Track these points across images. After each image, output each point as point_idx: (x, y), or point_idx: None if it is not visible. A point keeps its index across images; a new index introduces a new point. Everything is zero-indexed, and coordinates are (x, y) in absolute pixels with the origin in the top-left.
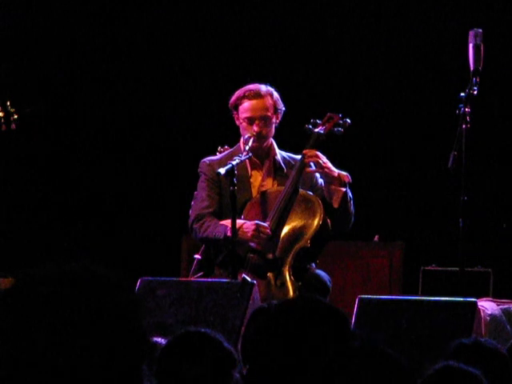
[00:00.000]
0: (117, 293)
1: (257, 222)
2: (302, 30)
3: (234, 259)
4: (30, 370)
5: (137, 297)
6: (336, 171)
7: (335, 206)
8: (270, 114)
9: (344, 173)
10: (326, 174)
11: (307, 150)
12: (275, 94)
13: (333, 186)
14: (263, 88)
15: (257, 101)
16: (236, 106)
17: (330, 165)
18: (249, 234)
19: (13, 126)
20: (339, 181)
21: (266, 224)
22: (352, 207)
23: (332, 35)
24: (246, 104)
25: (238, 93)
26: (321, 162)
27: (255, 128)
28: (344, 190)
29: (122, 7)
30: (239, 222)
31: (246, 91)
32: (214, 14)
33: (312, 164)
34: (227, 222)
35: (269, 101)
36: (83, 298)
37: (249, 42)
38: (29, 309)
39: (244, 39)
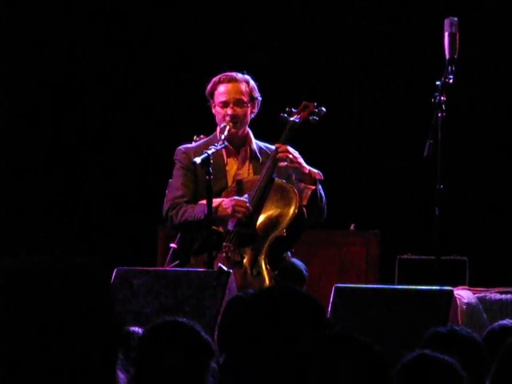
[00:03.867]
0: (89, 281)
1: (235, 197)
2: (278, 18)
3: (210, 246)
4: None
5: (109, 284)
6: (307, 168)
7: (303, 203)
8: (245, 98)
9: (315, 170)
10: (297, 170)
11: (279, 145)
12: (251, 82)
13: (302, 184)
14: (239, 75)
15: (232, 84)
16: (212, 94)
17: (301, 160)
18: (228, 210)
19: None
20: (310, 178)
21: (245, 199)
22: (323, 204)
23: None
24: (221, 88)
25: (213, 79)
26: (291, 157)
27: (229, 111)
28: (313, 188)
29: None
30: (217, 200)
31: (221, 76)
32: (188, 5)
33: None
34: (205, 202)
35: (244, 86)
36: (55, 287)
37: (225, 30)
38: (2, 299)
39: (219, 27)
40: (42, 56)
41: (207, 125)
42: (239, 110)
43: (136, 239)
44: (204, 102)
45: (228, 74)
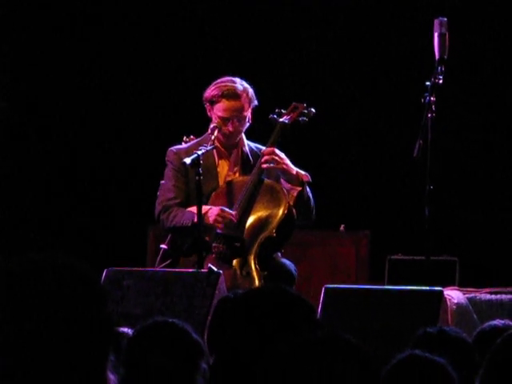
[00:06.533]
0: (78, 280)
1: (222, 208)
2: (266, 19)
3: (200, 248)
4: None
5: (101, 285)
6: (294, 169)
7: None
8: (245, 113)
9: (303, 172)
10: (284, 172)
11: (264, 150)
12: (250, 91)
13: (289, 185)
14: (239, 87)
15: (234, 102)
16: (211, 102)
17: (288, 162)
18: (210, 219)
19: None
20: (297, 179)
21: (232, 211)
22: (311, 206)
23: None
24: (223, 104)
25: (214, 89)
26: (277, 159)
27: (230, 128)
28: (299, 189)
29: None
30: (205, 207)
31: (224, 90)
32: (179, 6)
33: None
34: (194, 209)
35: (245, 100)
36: (44, 286)
37: (215, 31)
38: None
39: (210, 28)
40: (40, 58)
41: (199, 125)
42: (238, 125)
43: (126, 240)
44: (195, 102)
45: (229, 85)
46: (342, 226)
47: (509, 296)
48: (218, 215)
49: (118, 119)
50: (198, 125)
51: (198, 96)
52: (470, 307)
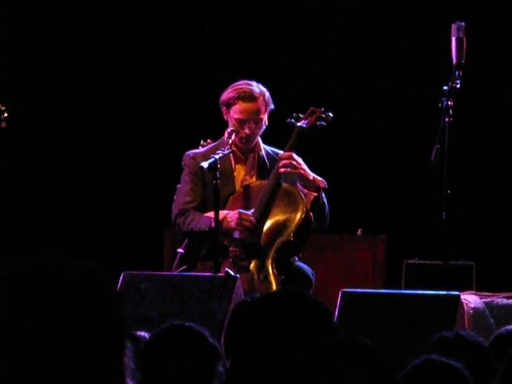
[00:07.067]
0: (82, 282)
1: (240, 210)
2: (282, 23)
3: (217, 253)
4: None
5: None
6: (311, 174)
7: None
8: (261, 116)
9: (319, 178)
10: (301, 176)
11: (282, 154)
12: (267, 94)
13: (305, 190)
14: (256, 89)
15: (251, 104)
16: (228, 105)
17: (305, 167)
18: (232, 224)
19: (3, 124)
20: (313, 184)
21: (249, 212)
22: (326, 212)
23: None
24: (239, 106)
25: (230, 92)
26: (294, 163)
27: (246, 131)
28: (315, 195)
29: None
30: (222, 212)
31: (240, 92)
32: (194, 10)
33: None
34: (211, 214)
35: (262, 103)
36: (56, 290)
37: (230, 35)
38: (2, 301)
39: (227, 31)
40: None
41: (215, 128)
42: (255, 127)
43: (143, 244)
44: (211, 106)
45: (245, 88)
46: (360, 230)
47: None
48: (238, 219)
49: (134, 123)
50: (214, 129)
51: (215, 100)
52: (487, 311)
